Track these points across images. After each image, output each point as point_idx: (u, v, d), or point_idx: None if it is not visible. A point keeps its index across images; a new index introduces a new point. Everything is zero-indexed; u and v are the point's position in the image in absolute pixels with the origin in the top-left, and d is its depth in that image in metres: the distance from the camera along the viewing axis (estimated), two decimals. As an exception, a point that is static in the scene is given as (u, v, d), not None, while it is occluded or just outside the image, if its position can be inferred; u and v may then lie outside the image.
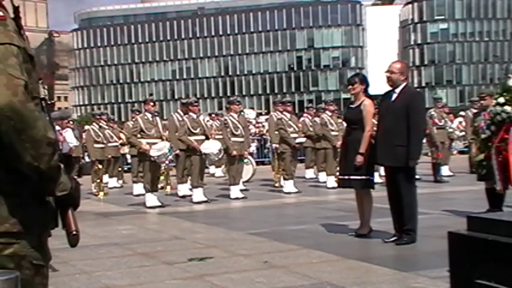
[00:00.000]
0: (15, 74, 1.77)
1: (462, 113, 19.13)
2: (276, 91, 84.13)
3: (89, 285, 5.29)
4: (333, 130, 13.27)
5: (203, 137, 11.27)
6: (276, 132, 12.65)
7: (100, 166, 13.98)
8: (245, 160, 12.62)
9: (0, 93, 1.73)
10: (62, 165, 1.92)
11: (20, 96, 1.75)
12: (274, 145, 13.06)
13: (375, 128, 7.02)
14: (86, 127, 21.07)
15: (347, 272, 5.41)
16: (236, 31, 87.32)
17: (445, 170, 14.01)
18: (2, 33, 1.82)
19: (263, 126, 21.68)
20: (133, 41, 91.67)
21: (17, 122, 1.74)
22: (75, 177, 2.06)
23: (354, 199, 7.38)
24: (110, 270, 5.78)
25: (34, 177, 1.83)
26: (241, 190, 11.88)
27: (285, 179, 12.43)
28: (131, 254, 6.58)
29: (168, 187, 13.36)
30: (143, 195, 11.30)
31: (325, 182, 13.33)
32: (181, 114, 11.95)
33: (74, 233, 1.94)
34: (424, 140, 10.18)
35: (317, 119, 14.14)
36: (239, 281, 5.17)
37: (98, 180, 13.67)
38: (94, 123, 15.01)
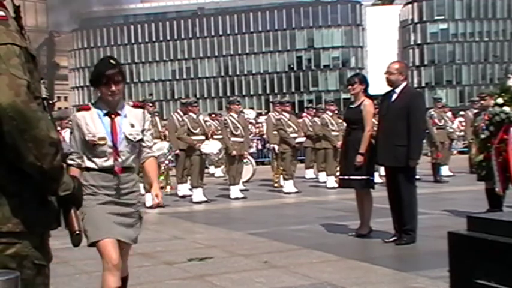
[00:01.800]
0: (18, 74, 1.78)
1: (462, 112, 19.15)
2: (276, 91, 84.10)
3: (88, 285, 5.29)
4: (333, 130, 13.26)
5: (203, 137, 11.27)
6: (275, 133, 12.65)
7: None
8: (245, 160, 12.62)
9: (3, 94, 1.73)
10: (65, 165, 1.92)
11: (23, 96, 1.76)
12: (272, 145, 13.07)
13: (375, 128, 7.03)
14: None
15: (347, 272, 5.41)
16: (236, 31, 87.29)
17: (445, 170, 14.01)
18: (4, 33, 1.82)
19: (263, 126, 21.68)
20: (133, 41, 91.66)
21: (20, 122, 1.74)
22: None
23: (354, 199, 7.38)
24: (110, 270, 5.77)
25: (37, 177, 1.84)
26: (241, 190, 11.88)
27: (285, 179, 12.44)
28: (131, 254, 6.53)
29: (168, 187, 13.35)
30: (143, 195, 11.29)
31: (325, 182, 13.33)
32: (181, 114, 11.95)
33: (77, 232, 1.95)
34: (424, 140, 10.17)
35: (317, 119, 14.14)
36: (239, 281, 5.17)
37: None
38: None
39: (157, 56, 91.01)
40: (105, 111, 3.71)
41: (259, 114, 31.32)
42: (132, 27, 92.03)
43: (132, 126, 3.74)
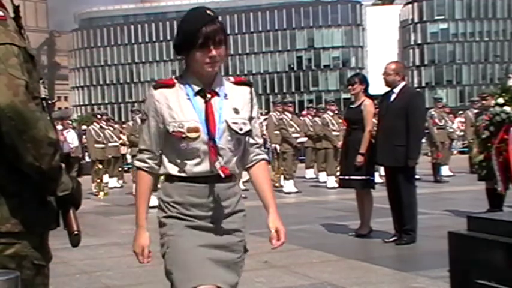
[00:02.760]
0: (16, 74, 1.77)
1: (461, 112, 19.16)
2: (276, 91, 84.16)
3: (88, 285, 5.29)
4: (334, 130, 13.27)
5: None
6: (277, 132, 12.66)
7: (100, 166, 14.00)
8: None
9: (1, 94, 1.73)
10: (63, 165, 1.92)
11: (21, 96, 1.75)
12: (273, 145, 13.07)
13: (375, 128, 7.03)
14: (83, 127, 21.03)
15: (347, 272, 5.41)
16: (236, 31, 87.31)
17: (445, 170, 14.01)
18: (2, 33, 1.81)
19: (263, 126, 21.65)
20: (133, 41, 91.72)
21: (18, 123, 1.74)
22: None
23: (354, 199, 7.38)
24: (110, 270, 5.78)
25: (35, 178, 1.83)
26: (241, 190, 11.88)
27: (285, 178, 12.44)
28: (131, 254, 6.52)
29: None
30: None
31: (325, 182, 13.34)
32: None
33: (76, 233, 1.94)
34: (424, 140, 10.17)
35: (317, 119, 14.14)
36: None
37: (98, 180, 13.68)
38: (95, 123, 15.02)
39: (157, 56, 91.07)
40: (196, 89, 2.45)
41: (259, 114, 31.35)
42: (132, 27, 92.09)
43: (236, 111, 2.48)
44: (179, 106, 2.43)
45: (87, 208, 10.31)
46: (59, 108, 67.48)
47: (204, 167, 2.43)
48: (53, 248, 2.03)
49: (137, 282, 5.32)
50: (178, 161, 2.45)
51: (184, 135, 2.40)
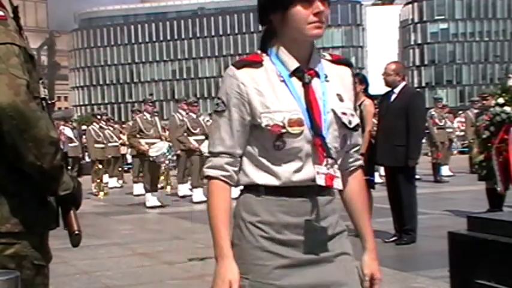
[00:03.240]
0: (17, 73, 1.77)
1: (461, 112, 19.18)
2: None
3: (88, 285, 5.29)
4: (333, 130, 13.27)
5: (203, 137, 11.28)
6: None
7: (100, 166, 14.01)
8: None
9: (2, 93, 1.73)
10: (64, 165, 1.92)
11: (23, 95, 1.75)
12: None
13: (375, 128, 7.03)
14: (84, 127, 21.07)
15: (347, 272, 5.40)
16: (236, 31, 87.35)
17: (445, 170, 14.01)
18: (3, 32, 1.82)
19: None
20: (133, 41, 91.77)
21: (20, 122, 1.74)
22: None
23: (354, 199, 7.37)
24: (109, 270, 5.78)
25: (36, 177, 1.83)
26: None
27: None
28: (131, 254, 6.59)
29: (168, 187, 13.36)
30: (143, 195, 11.30)
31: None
32: (183, 114, 11.94)
33: (76, 232, 1.94)
34: (424, 140, 10.17)
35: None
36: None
37: (98, 180, 13.69)
38: (95, 123, 15.04)
39: (157, 56, 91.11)
40: (292, 68, 1.83)
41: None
42: (132, 27, 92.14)
43: (341, 99, 1.87)
44: (273, 91, 1.79)
45: (87, 208, 10.31)
46: (59, 109, 67.54)
47: (306, 174, 1.79)
48: (53, 248, 2.03)
49: (137, 282, 5.32)
50: (270, 166, 1.79)
51: (284, 131, 1.74)
